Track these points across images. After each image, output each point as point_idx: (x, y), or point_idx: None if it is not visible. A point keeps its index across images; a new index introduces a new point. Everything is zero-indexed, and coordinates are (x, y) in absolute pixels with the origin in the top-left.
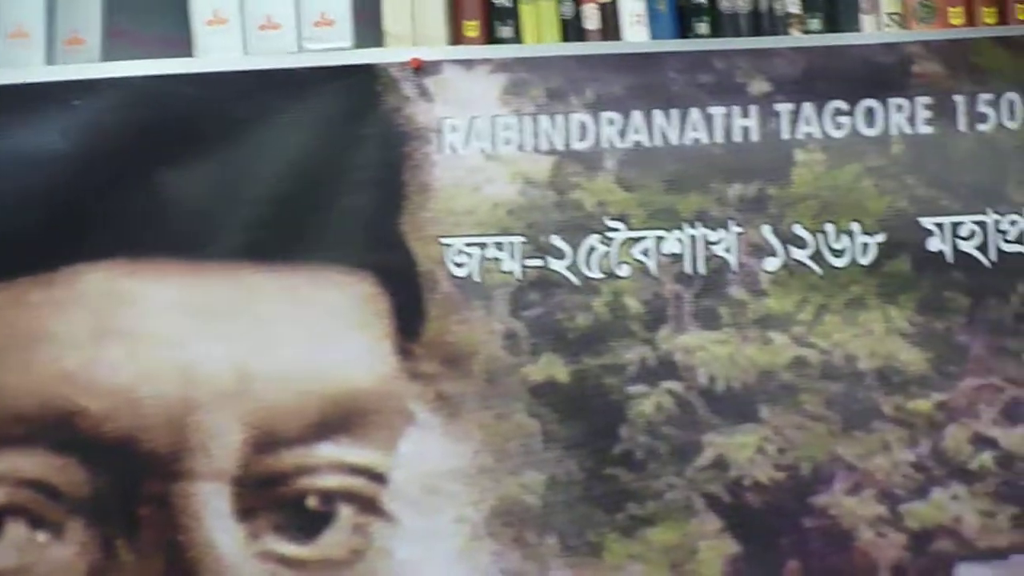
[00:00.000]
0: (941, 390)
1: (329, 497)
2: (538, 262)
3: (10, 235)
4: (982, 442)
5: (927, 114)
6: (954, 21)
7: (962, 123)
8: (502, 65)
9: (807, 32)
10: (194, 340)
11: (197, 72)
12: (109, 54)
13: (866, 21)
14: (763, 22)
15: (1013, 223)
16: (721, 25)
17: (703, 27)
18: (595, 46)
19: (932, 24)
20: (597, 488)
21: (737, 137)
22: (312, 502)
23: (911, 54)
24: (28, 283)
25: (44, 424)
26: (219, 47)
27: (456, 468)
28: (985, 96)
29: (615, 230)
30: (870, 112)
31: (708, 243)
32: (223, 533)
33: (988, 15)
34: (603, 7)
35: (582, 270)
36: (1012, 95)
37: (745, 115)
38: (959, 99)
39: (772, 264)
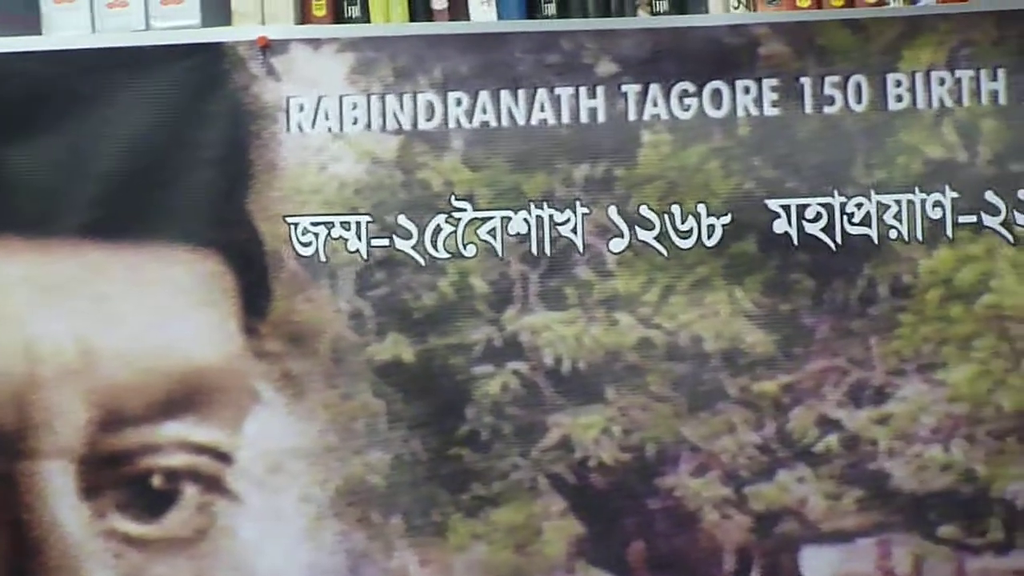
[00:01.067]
0: (787, 372)
1: (174, 476)
2: (384, 242)
3: None
4: (827, 424)
5: (774, 96)
6: (802, 3)
7: (809, 105)
8: (349, 44)
9: (655, 13)
10: (38, 318)
11: (44, 50)
12: None
13: (713, 2)
14: (611, 3)
15: (859, 205)
16: (569, 6)
17: (551, 7)
18: (442, 26)
19: (780, 6)
20: (442, 468)
21: (584, 118)
22: (157, 481)
23: (758, 36)
24: None
25: None
26: (68, 25)
27: (301, 447)
28: (832, 78)
29: (462, 210)
30: (717, 93)
31: (554, 224)
32: (68, 511)
33: None
34: None
35: (428, 250)
36: (859, 77)
37: (592, 96)
38: (806, 81)
39: (618, 245)
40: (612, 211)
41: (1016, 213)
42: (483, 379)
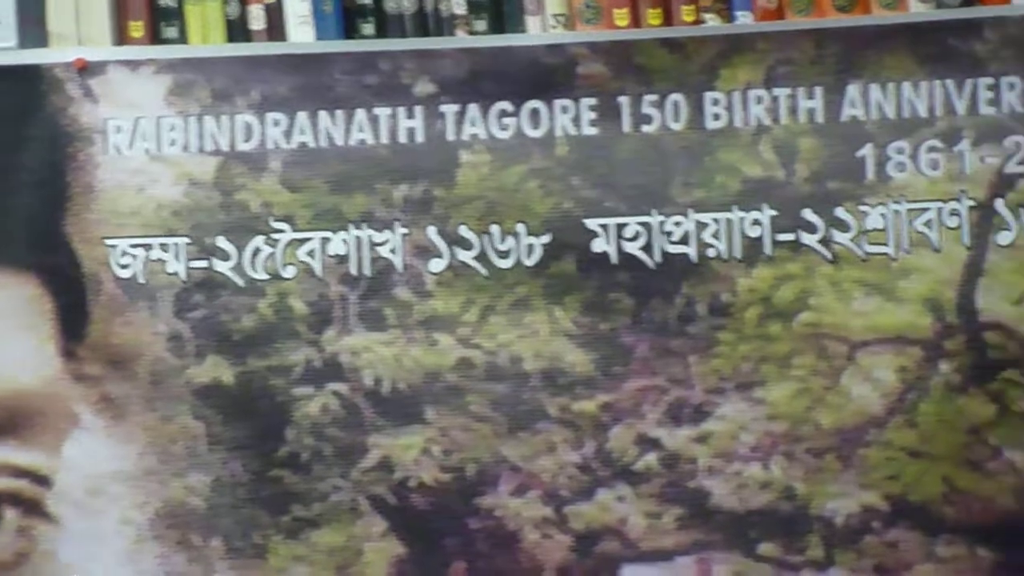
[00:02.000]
0: (606, 391)
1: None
2: (203, 263)
3: None
4: (647, 443)
5: (592, 115)
6: (619, 22)
7: (627, 124)
8: (167, 66)
9: (472, 33)
10: None
11: None
12: None
13: (532, 22)
14: (429, 23)
15: (678, 224)
16: (387, 26)
17: (368, 28)
18: (260, 47)
19: (598, 25)
20: (262, 490)
21: (402, 138)
22: None
23: (576, 55)
24: None
25: None
26: None
27: (121, 470)
28: (650, 97)
29: (280, 231)
30: (535, 113)
31: (373, 244)
32: None
33: (653, 16)
34: (268, 8)
35: (247, 271)
36: (676, 96)
37: (410, 116)
38: (624, 100)
39: (437, 265)
40: (431, 231)
41: (833, 231)
42: (303, 400)
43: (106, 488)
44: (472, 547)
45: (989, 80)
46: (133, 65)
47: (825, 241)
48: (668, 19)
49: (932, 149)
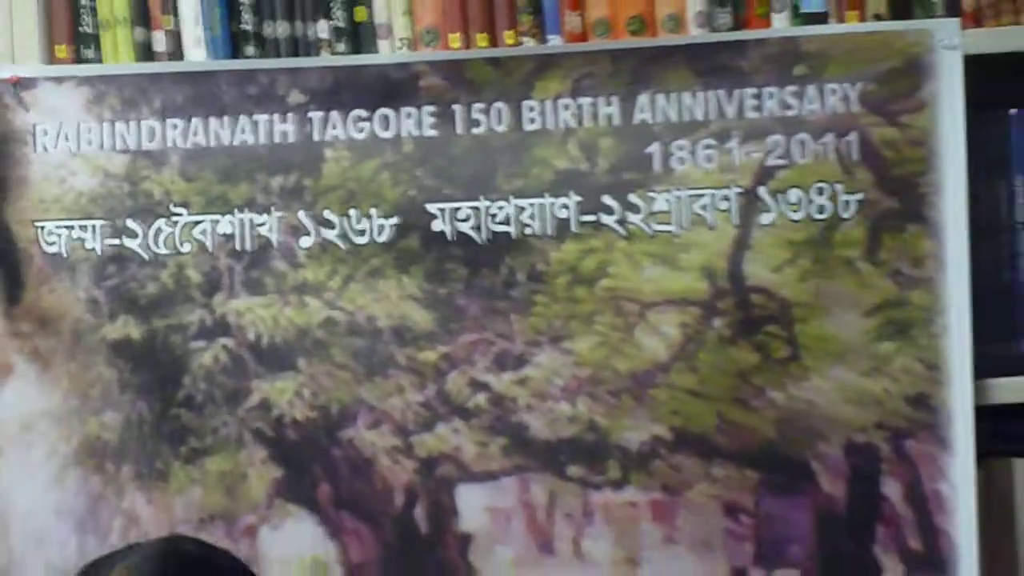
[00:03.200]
0: (444, 344)
1: None
2: (115, 241)
3: None
4: (477, 386)
5: (432, 120)
6: (453, 45)
7: (460, 127)
8: (86, 81)
9: (335, 54)
10: None
11: None
12: None
13: (382, 45)
14: (300, 46)
15: (501, 208)
16: (266, 48)
17: (251, 50)
18: (161, 65)
19: (436, 47)
20: (164, 426)
21: (277, 139)
22: None
23: (419, 72)
24: None
25: None
26: None
27: (48, 410)
28: (478, 105)
29: (178, 215)
30: (385, 118)
31: (254, 225)
32: None
33: (481, 40)
34: (169, 33)
35: (151, 247)
36: (500, 104)
37: (284, 121)
38: (457, 108)
39: (307, 242)
40: (301, 214)
41: (628, 213)
42: (197, 352)
43: (36, 425)
44: (336, 471)
45: (753, 90)
46: (58, 80)
47: (621, 221)
48: (493, 42)
49: (707, 146)
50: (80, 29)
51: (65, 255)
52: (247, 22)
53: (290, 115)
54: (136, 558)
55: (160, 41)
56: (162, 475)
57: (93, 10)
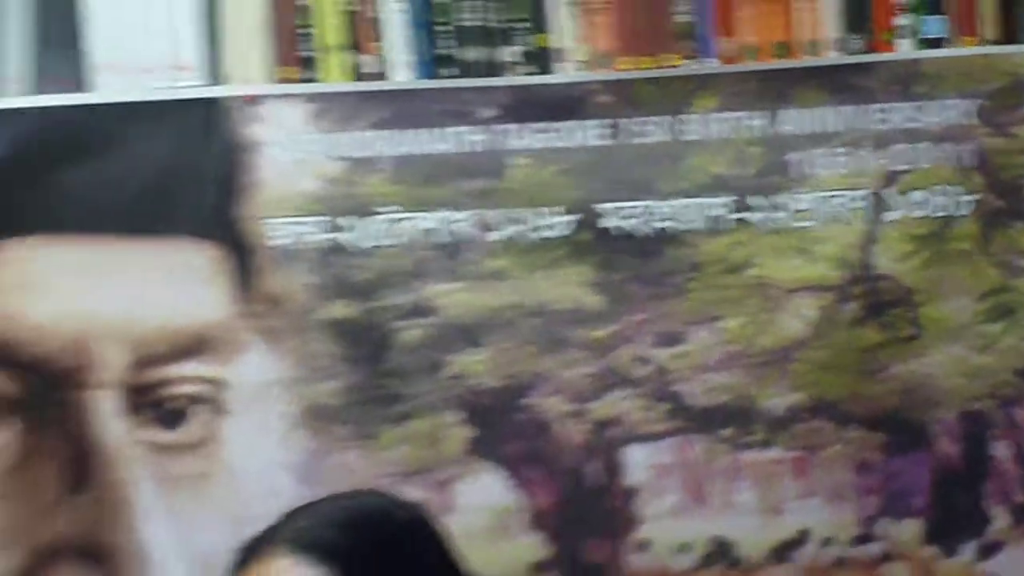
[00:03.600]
0: (613, 323)
1: (189, 399)
2: (333, 235)
3: None
4: (642, 359)
5: (603, 131)
6: (622, 67)
7: (627, 138)
8: (308, 98)
9: (522, 75)
10: (95, 291)
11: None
12: (41, 89)
13: (561, 67)
14: (490, 67)
15: (661, 207)
16: (462, 70)
17: (448, 71)
18: (372, 85)
19: (607, 69)
20: (374, 393)
21: (470, 148)
22: (176, 403)
23: (592, 90)
24: None
25: None
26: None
27: (277, 379)
28: (643, 119)
29: (388, 213)
30: (564, 130)
31: (451, 221)
32: (113, 426)
33: (646, 62)
34: (378, 57)
35: (364, 241)
36: (661, 118)
37: (476, 133)
38: (625, 121)
39: (495, 236)
40: (491, 213)
41: (772, 211)
42: (403, 330)
43: (267, 391)
44: (521, 432)
45: (880, 105)
46: (285, 98)
47: (765, 219)
48: (657, 64)
49: (840, 154)
50: (302, 54)
51: (290, 247)
52: (445, 47)
53: (481, 128)
54: (329, 506)
55: (370, 64)
56: (373, 435)
57: (313, 37)
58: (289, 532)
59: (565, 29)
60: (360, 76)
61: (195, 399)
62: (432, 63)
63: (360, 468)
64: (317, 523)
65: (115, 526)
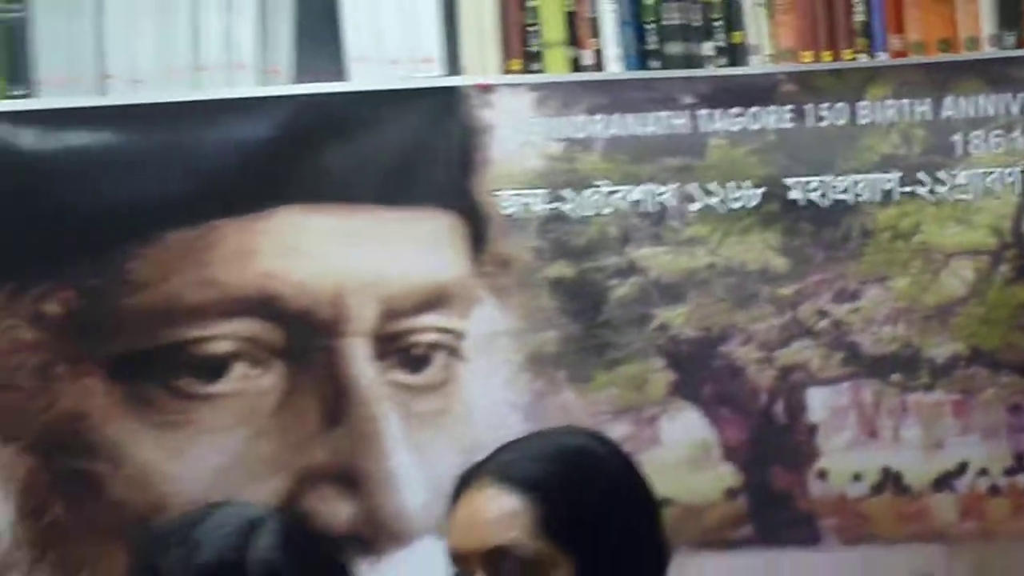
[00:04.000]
0: (797, 282)
1: (430, 346)
2: (554, 205)
3: (242, 192)
4: (822, 313)
5: (789, 116)
6: (805, 60)
7: (810, 121)
8: (533, 87)
9: (717, 67)
10: (349, 252)
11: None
12: (304, 79)
13: (753, 60)
14: (691, 60)
15: (840, 181)
16: (666, 62)
17: (655, 63)
18: (589, 75)
19: (793, 61)
20: (589, 342)
21: (673, 131)
22: (419, 350)
23: (779, 80)
24: (250, 219)
25: (256, 303)
26: (366, 75)
27: (506, 330)
28: (823, 105)
29: (601, 186)
30: (755, 115)
31: (656, 194)
32: (364, 368)
33: (826, 56)
34: (594, 51)
35: (581, 210)
36: (839, 104)
37: (679, 117)
38: (808, 107)
39: (695, 207)
40: (691, 186)
41: (936, 185)
42: (614, 288)
43: (496, 340)
44: (716, 376)
45: None
46: (514, 87)
47: (930, 192)
48: (836, 57)
49: (996, 136)
50: (529, 48)
51: (517, 216)
52: (652, 43)
53: (683, 113)
54: (532, 442)
55: (587, 57)
56: (587, 378)
57: (538, 34)
58: (496, 465)
59: (756, 27)
60: (578, 68)
61: (435, 346)
62: (641, 56)
63: (576, 408)
64: (521, 457)
65: (366, 455)
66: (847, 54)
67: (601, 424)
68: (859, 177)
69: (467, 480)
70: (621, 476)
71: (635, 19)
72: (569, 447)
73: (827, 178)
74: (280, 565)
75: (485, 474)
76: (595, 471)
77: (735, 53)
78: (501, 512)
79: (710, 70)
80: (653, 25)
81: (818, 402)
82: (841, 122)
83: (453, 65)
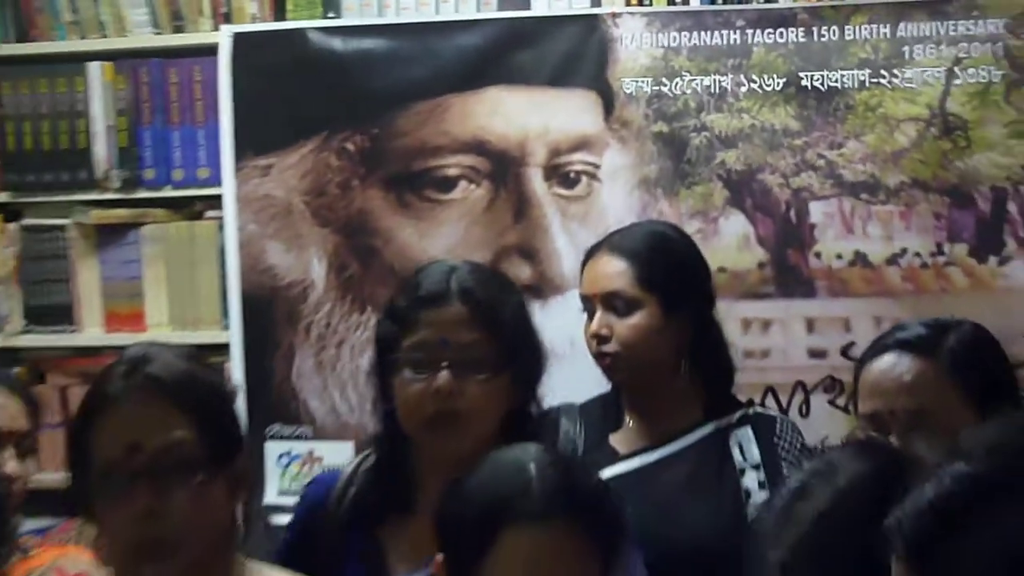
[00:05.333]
0: (805, 136)
1: (579, 173)
2: (656, 87)
3: (465, 77)
4: (820, 156)
5: (802, 34)
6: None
7: (815, 38)
8: (653, 15)
9: (760, 2)
10: (531, 116)
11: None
12: (501, 7)
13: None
14: None
15: (834, 74)
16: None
17: (721, 0)
18: (676, 8)
19: (805, 1)
20: (677, 172)
21: (731, 42)
22: (572, 175)
23: (797, 12)
24: (469, 94)
25: (473, 145)
26: (543, 5)
27: (624, 164)
28: (824, 28)
29: (685, 76)
30: (782, 33)
31: (720, 81)
32: (538, 186)
33: None
34: None
35: (673, 91)
36: (834, 27)
37: (734, 34)
38: (815, 29)
39: (743, 89)
40: (741, 76)
41: (892, 78)
42: (693, 139)
43: (619, 170)
44: (753, 193)
45: None
46: (631, 14)
47: (889, 82)
48: None
49: (931, 48)
50: None
51: (633, 94)
52: None
53: (737, 31)
54: (636, 228)
55: None
56: (675, 193)
57: None
58: (610, 242)
59: None
60: (671, 2)
61: (582, 173)
62: None
63: (667, 212)
64: (626, 235)
65: (539, 239)
66: None
67: (683, 223)
68: (845, 72)
69: (593, 252)
70: (686, 251)
71: None
72: (656, 232)
73: (825, 72)
74: (472, 285)
75: (604, 247)
76: (671, 247)
77: None
78: (613, 270)
79: (754, 4)
80: None
81: (816, 210)
82: (835, 38)
83: (595, 1)
